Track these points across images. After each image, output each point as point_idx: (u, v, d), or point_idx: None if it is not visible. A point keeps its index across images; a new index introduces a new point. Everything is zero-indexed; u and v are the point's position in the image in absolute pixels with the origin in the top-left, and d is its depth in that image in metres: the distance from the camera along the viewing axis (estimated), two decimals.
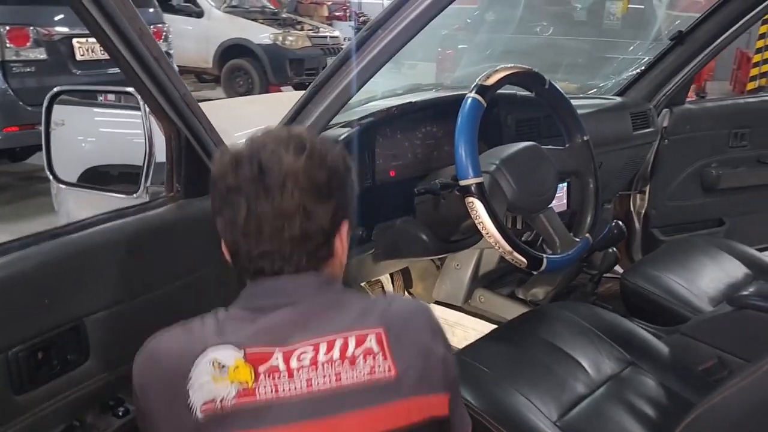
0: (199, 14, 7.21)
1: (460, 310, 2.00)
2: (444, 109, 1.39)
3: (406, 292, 2.09)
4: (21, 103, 4.10)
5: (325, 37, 7.93)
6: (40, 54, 4.21)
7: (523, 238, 1.50)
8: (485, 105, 1.29)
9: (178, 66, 6.06)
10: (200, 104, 1.16)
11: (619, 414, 1.31)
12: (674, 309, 1.74)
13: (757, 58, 7.86)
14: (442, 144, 1.59)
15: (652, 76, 2.30)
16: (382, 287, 2.04)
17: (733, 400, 0.87)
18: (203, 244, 1.05)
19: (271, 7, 8.44)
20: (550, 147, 1.49)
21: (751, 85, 7.85)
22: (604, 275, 2.05)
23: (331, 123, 1.48)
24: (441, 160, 1.59)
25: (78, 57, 4.40)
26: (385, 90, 1.77)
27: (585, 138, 1.51)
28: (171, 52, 5.18)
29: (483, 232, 1.25)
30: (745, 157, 2.54)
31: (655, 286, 1.81)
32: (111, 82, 4.67)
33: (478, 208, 1.23)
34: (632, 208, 2.57)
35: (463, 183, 1.24)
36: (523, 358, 1.40)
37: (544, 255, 1.32)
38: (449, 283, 2.02)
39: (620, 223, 1.70)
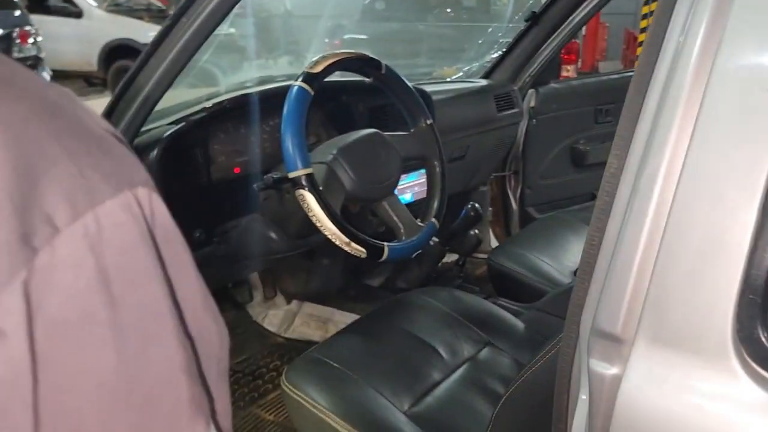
0: (78, 14, 6.80)
1: (332, 306, 1.96)
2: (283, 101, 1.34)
3: (276, 290, 2.03)
4: None
5: (217, 34, 7.67)
6: None
7: (377, 230, 1.47)
8: (312, 93, 1.24)
9: (57, 70, 5.72)
10: None
11: (470, 395, 1.30)
12: (536, 286, 1.77)
13: (642, 37, 8.26)
14: None
15: (513, 58, 2.33)
16: (250, 287, 1.97)
17: (541, 374, 0.86)
18: None
19: (159, 4, 8.09)
20: (394, 133, 1.46)
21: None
22: (476, 257, 2.07)
23: (160, 123, 1.40)
24: None
25: None
26: (232, 84, 1.70)
27: (428, 122, 1.49)
28: (42, 56, 4.86)
29: (317, 224, 1.20)
30: (611, 132, 2.60)
31: (518, 265, 1.83)
32: None
33: (309, 201, 1.19)
34: (508, 189, 2.61)
35: (291, 176, 1.19)
36: (378, 350, 1.37)
37: (385, 243, 1.30)
38: (320, 279, 1.98)
39: (476, 205, 1.71)
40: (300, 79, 1.24)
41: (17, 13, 4.74)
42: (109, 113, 1.18)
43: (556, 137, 2.57)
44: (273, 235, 1.46)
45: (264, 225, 1.47)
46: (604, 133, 2.62)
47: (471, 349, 1.43)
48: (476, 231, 1.74)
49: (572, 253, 1.93)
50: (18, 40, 4.65)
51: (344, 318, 1.94)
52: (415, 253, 1.39)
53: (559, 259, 1.88)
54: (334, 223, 1.20)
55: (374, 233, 1.34)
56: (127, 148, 0.37)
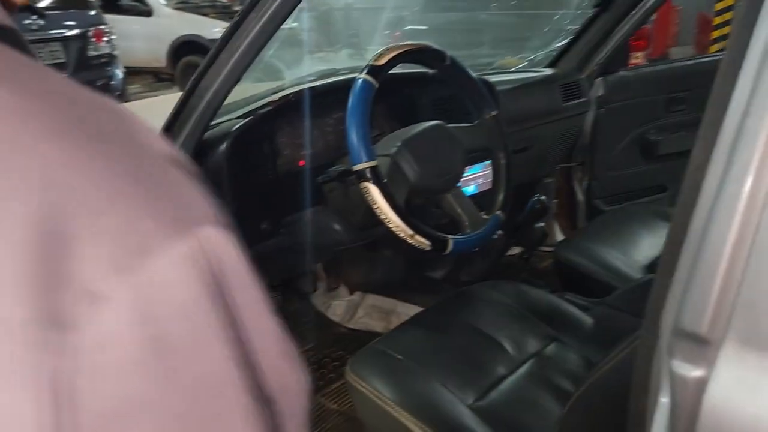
0: (148, 13, 7.05)
1: (395, 297, 1.97)
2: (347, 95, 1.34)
3: (340, 281, 2.05)
4: None
5: (281, 29, 7.80)
6: None
7: (440, 222, 1.46)
8: (376, 86, 1.24)
9: (129, 67, 5.94)
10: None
11: (536, 391, 1.28)
12: (605, 281, 1.72)
13: (717, 20, 7.85)
14: None
15: (580, 46, 2.26)
16: (314, 278, 2.00)
17: (614, 373, 0.84)
18: None
19: (223, 0, 8.29)
20: (458, 125, 1.44)
21: (713, 48, 7.81)
22: (542, 250, 2.02)
23: (229, 117, 1.43)
24: None
25: None
26: (294, 78, 1.72)
27: (493, 113, 1.46)
28: (116, 53, 5.04)
29: (381, 216, 1.20)
30: (684, 121, 2.52)
31: (586, 259, 1.78)
32: None
33: (373, 193, 1.19)
34: (574, 181, 2.55)
35: (356, 168, 1.19)
36: (442, 343, 1.36)
37: (449, 236, 1.28)
38: (383, 270, 1.98)
39: (542, 197, 1.67)
40: (364, 71, 1.24)
41: (92, 12, 4.93)
42: (180, 109, 1.22)
43: (625, 127, 2.48)
44: (337, 226, 1.47)
45: (328, 217, 1.48)
46: (676, 122, 2.51)
47: (537, 344, 1.40)
48: (542, 224, 1.70)
49: (643, 248, 1.86)
50: (93, 39, 4.82)
51: (407, 310, 1.94)
52: (479, 246, 1.37)
53: (629, 253, 1.82)
54: (398, 216, 1.20)
55: (438, 225, 1.33)
56: (189, 174, 0.30)
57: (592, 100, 2.34)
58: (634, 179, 2.55)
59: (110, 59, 4.98)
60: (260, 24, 1.09)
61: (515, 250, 1.96)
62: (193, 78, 1.20)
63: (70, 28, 4.65)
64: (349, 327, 2.03)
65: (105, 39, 4.90)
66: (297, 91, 1.45)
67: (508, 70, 2.32)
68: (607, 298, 1.61)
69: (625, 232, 1.92)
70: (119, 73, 5.08)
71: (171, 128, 1.25)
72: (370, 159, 1.19)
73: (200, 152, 1.28)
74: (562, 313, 1.50)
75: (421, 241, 1.23)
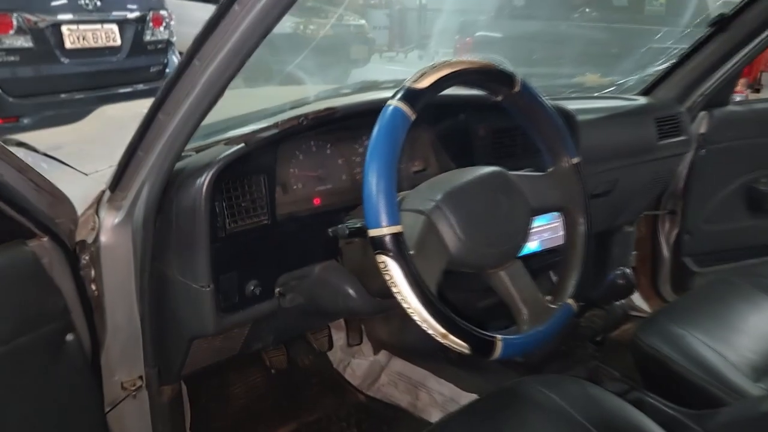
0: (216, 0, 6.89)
1: (427, 368, 1.60)
2: None
3: (363, 335, 1.70)
4: (4, 94, 3.86)
5: (349, 26, 7.59)
6: (26, 42, 3.95)
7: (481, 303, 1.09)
8: (413, 117, 0.88)
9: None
10: None
11: None
12: (700, 385, 1.31)
13: None
14: None
15: (686, 71, 1.84)
16: (329, 335, 1.65)
17: None
18: None
19: None
20: (524, 173, 1.07)
21: None
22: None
23: (218, 138, 1.10)
24: None
25: (68, 45, 4.13)
26: (324, 90, 1.37)
27: (574, 161, 1.08)
28: (173, 39, 4.87)
29: (403, 305, 0.85)
30: None
31: (676, 351, 1.37)
32: (103, 73, 4.43)
33: (392, 272, 0.83)
34: (660, 232, 2.12)
35: (371, 234, 0.84)
36: None
37: (498, 335, 0.91)
38: (417, 331, 1.62)
39: (627, 271, 1.29)
40: (398, 96, 0.88)
41: None
42: (145, 127, 0.89)
43: (730, 172, 2.05)
44: (351, 291, 1.12)
45: (341, 277, 1.13)
46: None
47: None
48: (623, 301, 1.31)
49: (754, 339, 1.43)
50: (151, 24, 4.67)
51: (439, 386, 1.58)
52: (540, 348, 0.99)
53: (735, 347, 1.40)
54: (425, 306, 0.84)
55: (478, 308, 0.96)
56: None
57: (692, 138, 1.91)
58: (736, 236, 2.11)
59: (167, 45, 4.82)
60: (251, 16, 0.75)
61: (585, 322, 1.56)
62: (165, 83, 0.87)
63: (129, 10, 4.51)
64: (368, 395, 1.67)
65: (163, 24, 4.74)
66: (315, 112, 1.10)
67: (591, 96, 1.91)
68: (717, 414, 1.21)
69: (728, 315, 1.50)
70: (175, 60, 4.90)
71: (133, 153, 0.93)
72: (392, 223, 0.83)
73: (169, 188, 0.96)
74: None
75: (458, 344, 0.87)
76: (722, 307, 1.52)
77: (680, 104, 1.86)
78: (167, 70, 4.82)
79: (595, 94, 1.95)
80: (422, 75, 0.91)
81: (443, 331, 0.86)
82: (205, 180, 0.96)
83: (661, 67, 1.92)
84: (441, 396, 1.57)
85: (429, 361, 1.63)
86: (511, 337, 0.94)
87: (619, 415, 1.14)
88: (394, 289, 0.85)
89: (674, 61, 1.86)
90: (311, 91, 1.44)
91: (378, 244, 0.84)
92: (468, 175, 1.00)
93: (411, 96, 0.89)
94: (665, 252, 2.12)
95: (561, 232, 1.52)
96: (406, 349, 1.67)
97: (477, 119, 1.32)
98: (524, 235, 1.01)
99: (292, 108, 1.25)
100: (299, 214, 1.13)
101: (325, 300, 1.15)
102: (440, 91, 0.93)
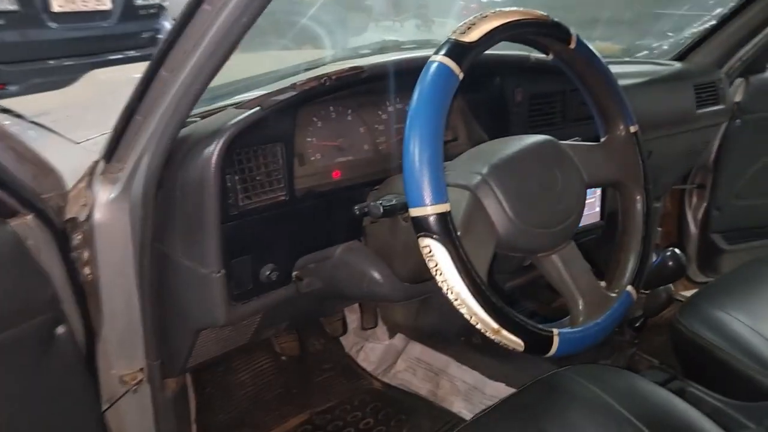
0: None
1: (448, 354, 1.49)
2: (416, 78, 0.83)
3: (378, 318, 1.58)
4: None
5: None
6: (10, 4, 3.77)
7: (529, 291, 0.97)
8: (461, 76, 0.75)
9: None
10: None
11: None
12: (746, 373, 1.20)
13: None
14: None
15: (726, 35, 1.71)
16: (343, 319, 1.53)
17: None
18: None
19: None
20: (576, 142, 0.94)
21: None
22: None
23: (223, 103, 0.97)
24: None
25: (55, 8, 3.95)
26: (341, 50, 1.23)
27: (632, 129, 0.95)
28: (165, 4, 4.68)
29: (449, 296, 0.73)
30: None
31: (720, 337, 1.26)
32: (92, 38, 4.25)
33: (438, 258, 0.71)
34: (687, 207, 2.01)
35: (414, 213, 0.72)
36: None
37: (555, 329, 0.80)
38: (438, 313, 1.51)
39: (677, 251, 1.17)
40: (443, 50, 0.75)
41: None
42: (142, 90, 0.76)
43: (765, 145, 1.92)
44: (377, 275, 1.00)
45: (365, 260, 1.01)
46: None
47: None
48: (670, 286, 1.20)
49: None
50: None
51: (462, 374, 1.47)
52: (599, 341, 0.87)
53: None
54: (477, 298, 0.72)
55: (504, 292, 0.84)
56: None
57: (729, 107, 1.78)
58: None
59: (159, 9, 4.63)
60: None
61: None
62: (168, 32, 0.74)
63: None
64: (383, 381, 1.56)
65: None
66: (338, 71, 0.97)
67: (622, 60, 1.77)
68: (762, 411, 1.11)
69: None
70: (167, 25, 4.71)
71: (130, 117, 0.80)
72: (439, 201, 0.71)
73: (172, 159, 0.83)
74: (687, 426, 1.00)
75: (512, 341, 0.75)
76: (765, 289, 1.41)
77: (719, 69, 1.73)
78: (159, 36, 4.64)
79: (626, 59, 1.82)
80: (470, 26, 0.78)
81: (496, 326, 0.74)
82: (214, 149, 0.83)
83: (696, 30, 1.78)
84: (464, 384, 1.46)
85: (449, 346, 1.52)
86: (569, 331, 0.82)
87: (666, 407, 1.04)
88: (438, 277, 0.73)
89: (713, 23, 1.72)
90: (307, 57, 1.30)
91: (422, 226, 0.71)
92: (515, 144, 0.87)
93: (458, 51, 0.76)
94: (692, 228, 2.01)
95: (597, 209, 1.41)
96: (424, 332, 1.56)
97: (513, 83, 1.18)
98: (579, 214, 0.89)
99: (307, 68, 1.11)
100: (318, 189, 1.00)
101: (347, 284, 1.03)
102: (490, 47, 0.79)
